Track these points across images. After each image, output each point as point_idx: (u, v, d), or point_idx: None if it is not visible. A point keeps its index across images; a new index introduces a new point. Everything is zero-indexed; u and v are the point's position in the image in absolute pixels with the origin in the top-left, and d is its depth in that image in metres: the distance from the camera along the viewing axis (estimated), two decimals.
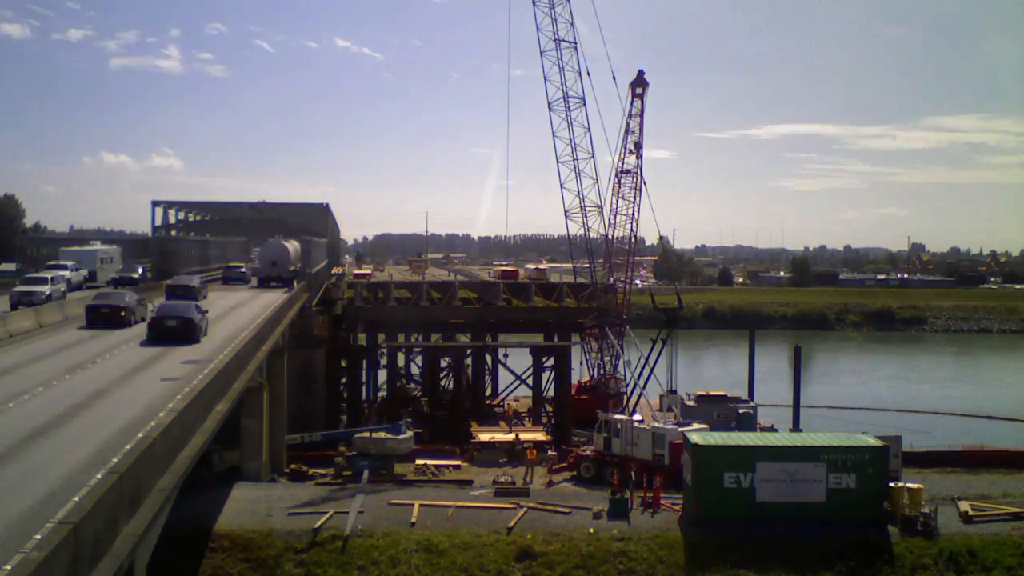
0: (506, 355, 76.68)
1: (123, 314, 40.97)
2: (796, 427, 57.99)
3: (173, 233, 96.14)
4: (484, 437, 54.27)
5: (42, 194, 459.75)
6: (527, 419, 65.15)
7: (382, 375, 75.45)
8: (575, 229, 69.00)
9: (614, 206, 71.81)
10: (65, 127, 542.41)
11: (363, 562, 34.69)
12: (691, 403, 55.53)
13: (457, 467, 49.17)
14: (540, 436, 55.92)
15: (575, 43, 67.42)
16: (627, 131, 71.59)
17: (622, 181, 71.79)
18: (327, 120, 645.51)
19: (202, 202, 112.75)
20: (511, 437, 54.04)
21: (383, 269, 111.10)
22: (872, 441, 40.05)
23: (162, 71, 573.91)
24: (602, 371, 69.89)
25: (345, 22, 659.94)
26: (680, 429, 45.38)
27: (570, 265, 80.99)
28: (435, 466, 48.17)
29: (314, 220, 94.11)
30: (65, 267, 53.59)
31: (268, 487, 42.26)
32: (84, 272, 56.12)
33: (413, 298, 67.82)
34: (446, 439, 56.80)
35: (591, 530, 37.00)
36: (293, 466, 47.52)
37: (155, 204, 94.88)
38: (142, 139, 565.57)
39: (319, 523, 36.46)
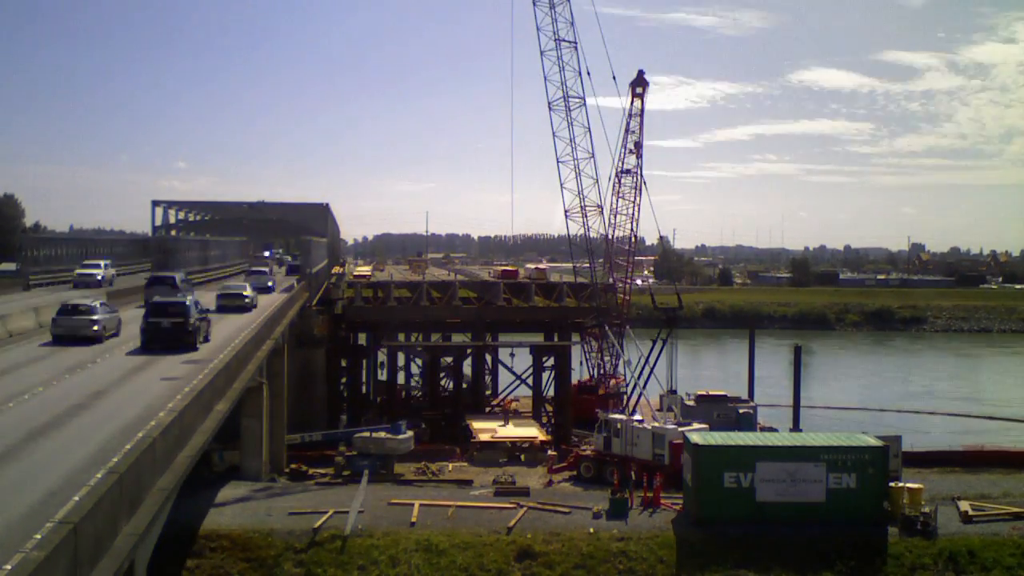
0: (512, 354, 76.64)
1: None
2: (796, 427, 57.97)
3: (173, 233, 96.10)
4: (482, 433, 54.24)
5: (42, 193, 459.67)
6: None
7: (382, 375, 75.48)
8: (575, 229, 69.10)
9: (614, 206, 71.96)
10: (69, 126, 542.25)
11: (363, 562, 34.69)
12: (691, 403, 55.48)
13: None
14: (535, 431, 56.00)
15: (575, 43, 67.50)
16: (627, 131, 71.75)
17: (622, 181, 71.91)
18: (327, 118, 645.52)
19: (202, 202, 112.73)
20: (510, 432, 54.11)
21: (383, 269, 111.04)
22: (872, 441, 40.06)
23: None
24: (602, 371, 69.93)
25: (344, 19, 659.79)
26: (680, 429, 45.36)
27: (570, 265, 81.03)
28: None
29: (314, 220, 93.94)
30: None
31: (266, 487, 42.23)
32: None
33: (413, 298, 67.80)
34: (446, 439, 56.86)
35: (591, 530, 37.00)
36: (293, 466, 47.50)
37: (155, 204, 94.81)
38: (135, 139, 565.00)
39: (319, 523, 36.44)
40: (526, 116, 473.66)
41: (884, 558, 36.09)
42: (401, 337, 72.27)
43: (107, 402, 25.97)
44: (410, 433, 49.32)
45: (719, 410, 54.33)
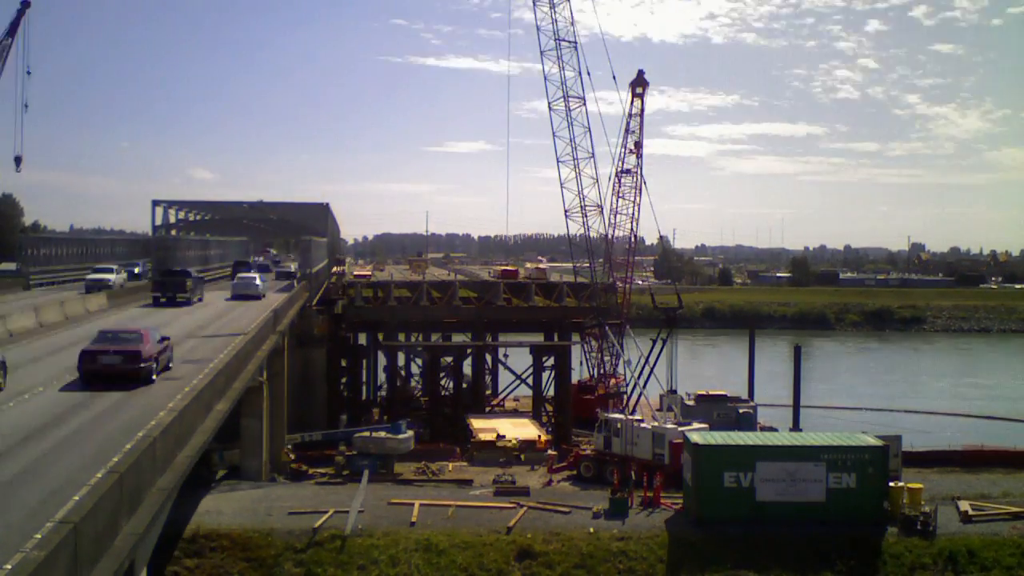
0: (506, 355, 76.76)
1: None
2: (796, 427, 57.98)
3: (173, 232, 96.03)
4: (482, 432, 54.23)
5: (41, 193, 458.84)
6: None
7: (382, 375, 75.49)
8: (575, 229, 69.10)
9: (614, 206, 71.95)
10: (69, 127, 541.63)
11: (363, 561, 34.68)
12: (691, 403, 55.49)
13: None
14: (533, 429, 56.03)
15: (575, 42, 67.50)
16: (627, 131, 71.75)
17: (622, 181, 71.91)
18: (327, 118, 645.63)
19: (202, 201, 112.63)
20: (509, 432, 54.13)
21: (383, 269, 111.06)
22: (872, 441, 40.06)
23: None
24: (602, 371, 69.91)
25: (341, 22, 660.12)
26: (680, 429, 45.37)
27: (570, 265, 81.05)
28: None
29: (314, 220, 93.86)
30: None
31: (266, 486, 42.21)
32: None
33: (413, 298, 67.82)
34: (446, 439, 56.85)
35: (591, 530, 37.01)
36: (293, 465, 47.53)
37: (155, 203, 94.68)
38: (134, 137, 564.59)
39: (319, 523, 36.44)
40: (527, 116, 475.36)
41: (884, 558, 36.08)
42: (401, 337, 72.31)
43: (107, 400, 25.99)
44: (410, 433, 49.38)
45: (719, 410, 54.32)
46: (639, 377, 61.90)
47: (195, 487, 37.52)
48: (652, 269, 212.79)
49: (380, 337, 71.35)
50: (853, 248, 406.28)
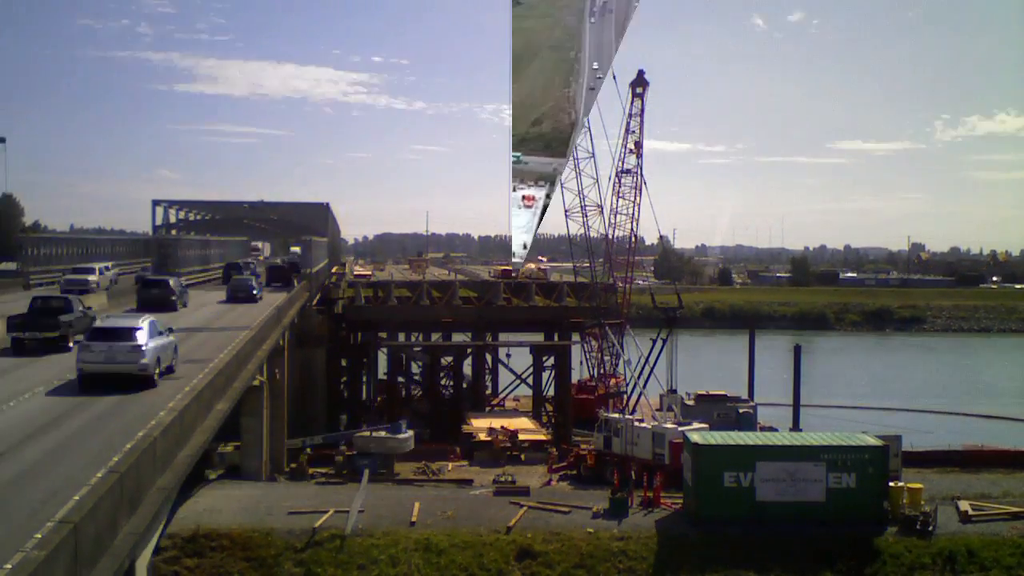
0: (508, 355, 76.78)
1: None
2: (796, 427, 58.00)
3: (174, 232, 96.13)
4: (480, 430, 54.27)
5: (41, 193, 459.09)
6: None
7: (382, 375, 75.58)
8: (575, 228, 69.16)
9: (614, 205, 71.98)
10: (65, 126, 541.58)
11: (363, 561, 34.69)
12: (691, 403, 55.52)
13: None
14: (530, 426, 56.10)
15: None
16: (627, 131, 71.74)
17: (622, 181, 71.91)
18: (326, 117, 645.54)
19: (203, 201, 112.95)
20: (507, 424, 54.24)
21: (383, 269, 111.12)
22: (872, 441, 40.08)
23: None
24: (602, 370, 69.96)
25: (342, 34, 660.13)
26: (680, 429, 45.39)
27: (570, 265, 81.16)
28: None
29: (314, 219, 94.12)
30: None
31: (266, 486, 42.26)
32: None
33: (413, 298, 67.88)
34: (446, 438, 56.91)
35: (591, 529, 37.03)
36: (293, 465, 47.57)
37: (155, 203, 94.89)
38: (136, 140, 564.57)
39: (319, 522, 36.45)
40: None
41: (883, 558, 36.09)
42: (401, 337, 72.36)
43: (107, 400, 26.00)
44: (410, 432, 49.46)
45: (719, 410, 54.34)
46: (639, 377, 61.92)
47: (195, 486, 37.56)
48: (652, 269, 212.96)
49: (383, 336, 71.44)
50: (853, 248, 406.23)
